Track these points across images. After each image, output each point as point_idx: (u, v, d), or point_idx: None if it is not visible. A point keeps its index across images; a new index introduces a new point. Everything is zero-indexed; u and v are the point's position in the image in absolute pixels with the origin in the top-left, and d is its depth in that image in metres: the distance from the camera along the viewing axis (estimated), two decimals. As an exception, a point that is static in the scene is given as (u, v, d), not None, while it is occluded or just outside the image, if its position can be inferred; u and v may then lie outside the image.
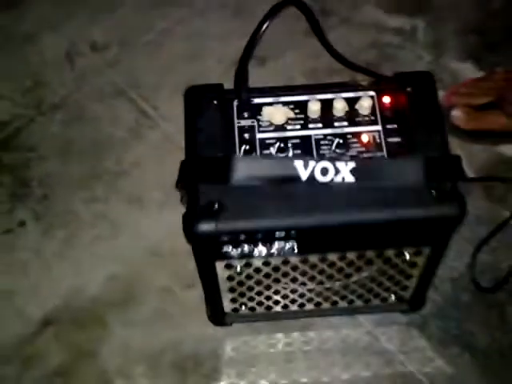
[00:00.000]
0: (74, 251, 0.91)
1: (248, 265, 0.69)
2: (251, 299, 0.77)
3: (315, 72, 1.07)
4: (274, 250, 0.66)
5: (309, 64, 1.08)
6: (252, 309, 0.79)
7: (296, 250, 0.66)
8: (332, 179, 0.63)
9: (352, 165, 0.63)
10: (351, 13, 1.16)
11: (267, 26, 0.70)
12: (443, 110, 0.91)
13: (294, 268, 0.71)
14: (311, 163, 0.63)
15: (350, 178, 0.63)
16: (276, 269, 0.71)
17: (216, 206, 0.62)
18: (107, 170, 0.99)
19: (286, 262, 0.70)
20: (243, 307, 0.79)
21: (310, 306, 0.80)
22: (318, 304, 0.80)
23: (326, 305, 0.80)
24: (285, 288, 0.76)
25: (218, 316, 0.81)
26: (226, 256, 0.67)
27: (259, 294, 0.76)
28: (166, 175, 0.92)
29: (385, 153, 0.67)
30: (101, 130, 1.03)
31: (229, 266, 0.69)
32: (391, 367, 0.82)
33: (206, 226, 0.62)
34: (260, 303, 0.78)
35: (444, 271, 0.85)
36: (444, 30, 1.14)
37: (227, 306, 0.79)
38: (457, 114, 0.98)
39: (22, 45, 1.14)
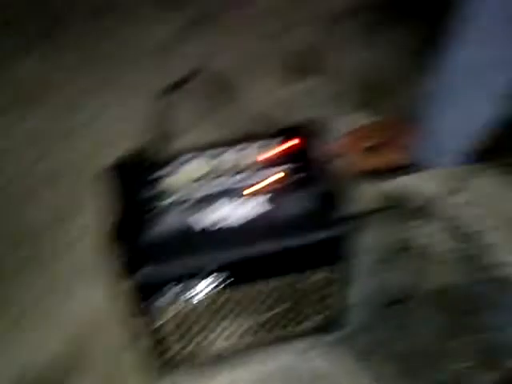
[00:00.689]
0: (18, 335, 0.96)
1: (182, 305, 0.78)
2: (189, 341, 0.85)
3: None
4: (205, 287, 0.76)
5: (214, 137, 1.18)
6: (192, 350, 0.86)
7: (223, 284, 0.76)
8: (242, 215, 0.74)
9: (258, 200, 0.75)
10: (249, 85, 1.29)
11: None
12: (339, 153, 1.05)
13: (226, 302, 0.80)
14: (223, 206, 0.74)
15: (257, 212, 0.75)
16: (209, 305, 0.79)
17: (146, 254, 0.73)
18: (36, 259, 1.05)
19: (216, 297, 0.79)
20: (183, 351, 0.86)
21: (247, 339, 0.88)
22: (254, 335, 0.88)
23: (261, 335, 0.88)
24: (221, 324, 0.84)
25: (160, 365, 0.88)
26: (162, 300, 0.76)
27: (197, 334, 0.84)
28: (89, 258, 1.00)
29: (288, 190, 0.78)
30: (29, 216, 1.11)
31: (165, 309, 0.78)
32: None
33: (140, 273, 0.72)
34: (199, 343, 0.86)
35: (357, 291, 0.94)
36: (338, 85, 1.29)
37: (169, 352, 0.86)
38: (350, 156, 1.11)
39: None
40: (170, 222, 0.74)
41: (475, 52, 0.93)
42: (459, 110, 1.00)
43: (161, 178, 0.79)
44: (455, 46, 0.94)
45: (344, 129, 1.17)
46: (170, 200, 0.77)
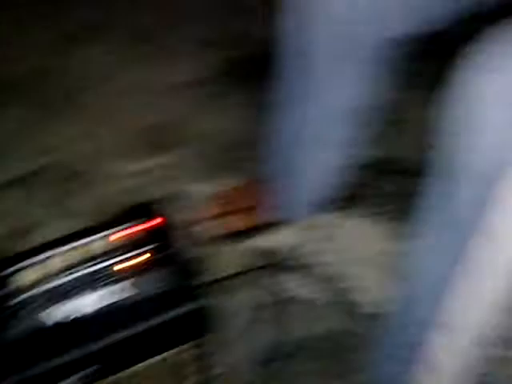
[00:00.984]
0: None
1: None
2: None
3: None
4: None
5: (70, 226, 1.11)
6: None
7: (94, 376, 0.75)
8: (103, 303, 0.74)
9: (120, 285, 0.76)
10: (104, 168, 1.28)
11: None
12: (201, 222, 1.08)
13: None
14: (83, 297, 0.74)
15: (119, 297, 0.75)
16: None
17: (6, 360, 0.71)
18: None
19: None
20: None
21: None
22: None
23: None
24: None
25: None
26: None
27: None
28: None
29: (148, 270, 0.79)
30: None
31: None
32: None
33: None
34: None
35: (235, 354, 0.96)
36: (198, 155, 1.30)
37: None
38: (214, 222, 1.14)
39: None
40: (27, 322, 0.72)
41: (314, 106, 0.97)
42: (311, 163, 1.06)
43: (13, 274, 0.77)
44: (296, 103, 0.99)
45: (206, 196, 1.19)
46: (24, 296, 0.75)
